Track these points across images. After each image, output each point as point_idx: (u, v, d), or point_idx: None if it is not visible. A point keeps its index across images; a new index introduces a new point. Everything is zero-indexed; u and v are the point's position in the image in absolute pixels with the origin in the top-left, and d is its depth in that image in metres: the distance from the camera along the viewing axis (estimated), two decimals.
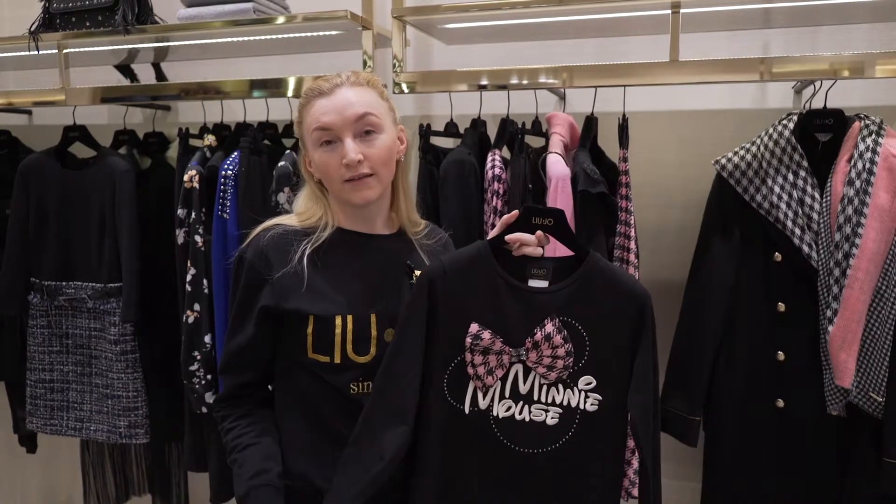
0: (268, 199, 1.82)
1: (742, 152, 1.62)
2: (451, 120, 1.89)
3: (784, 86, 1.85)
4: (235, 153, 1.88)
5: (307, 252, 1.25)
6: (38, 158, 2.13)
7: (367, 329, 1.24)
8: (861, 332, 1.48)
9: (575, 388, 1.23)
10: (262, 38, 1.96)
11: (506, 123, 1.80)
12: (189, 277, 1.87)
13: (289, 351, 1.27)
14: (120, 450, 2.37)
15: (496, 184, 1.66)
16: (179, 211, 1.89)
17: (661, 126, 1.96)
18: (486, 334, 1.21)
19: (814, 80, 1.63)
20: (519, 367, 1.23)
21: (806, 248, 1.55)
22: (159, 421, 2.12)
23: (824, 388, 1.54)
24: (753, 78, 1.57)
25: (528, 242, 1.25)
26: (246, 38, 1.97)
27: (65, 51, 2.06)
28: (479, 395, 1.23)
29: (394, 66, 1.82)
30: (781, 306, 1.59)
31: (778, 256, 1.58)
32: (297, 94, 1.90)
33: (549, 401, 1.24)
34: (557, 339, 1.21)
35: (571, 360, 1.22)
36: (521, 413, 1.24)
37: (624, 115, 1.68)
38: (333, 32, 1.89)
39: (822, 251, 1.53)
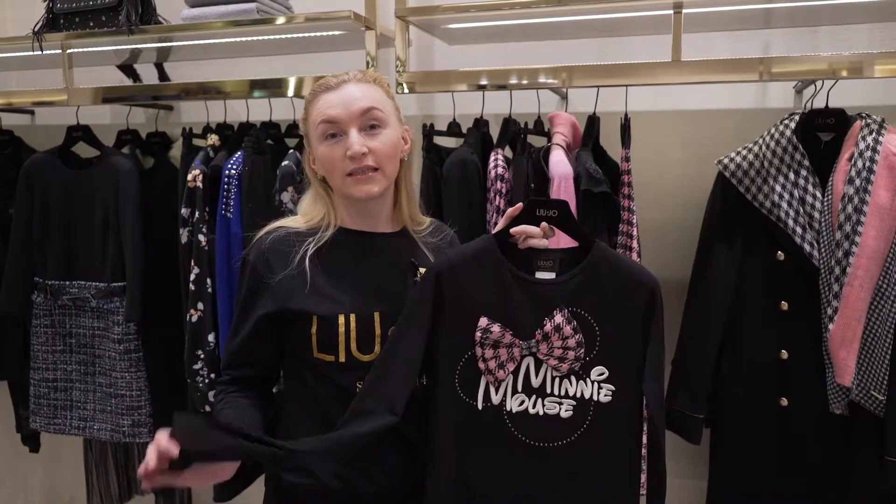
0: (271, 199, 1.83)
1: (744, 152, 1.63)
2: (454, 120, 1.90)
3: (785, 86, 1.86)
4: (239, 153, 1.89)
5: (309, 252, 1.25)
6: (41, 158, 2.13)
7: (371, 328, 1.25)
8: (861, 330, 1.49)
9: (588, 379, 1.23)
10: (266, 38, 1.97)
11: (508, 123, 1.81)
12: (193, 277, 1.88)
13: (295, 351, 1.28)
14: (123, 449, 2.37)
15: (499, 183, 1.67)
16: (183, 210, 1.90)
17: (663, 126, 1.97)
18: (496, 328, 1.21)
19: (814, 80, 1.64)
20: (530, 360, 1.23)
21: (807, 247, 1.56)
22: (163, 420, 2.12)
23: (827, 386, 1.55)
24: (753, 78, 1.58)
25: (533, 234, 1.26)
26: (249, 39, 1.98)
27: (68, 51, 2.07)
28: (492, 389, 1.24)
29: (396, 66, 1.83)
30: (784, 305, 1.60)
31: (780, 255, 1.59)
32: (297, 94, 1.91)
33: (563, 393, 1.24)
34: (567, 329, 1.21)
35: (582, 350, 1.22)
36: (534, 407, 1.24)
37: (626, 115, 1.69)
38: (336, 33, 1.89)
39: (823, 250, 1.54)
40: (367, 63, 1.83)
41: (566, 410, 1.24)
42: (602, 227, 1.63)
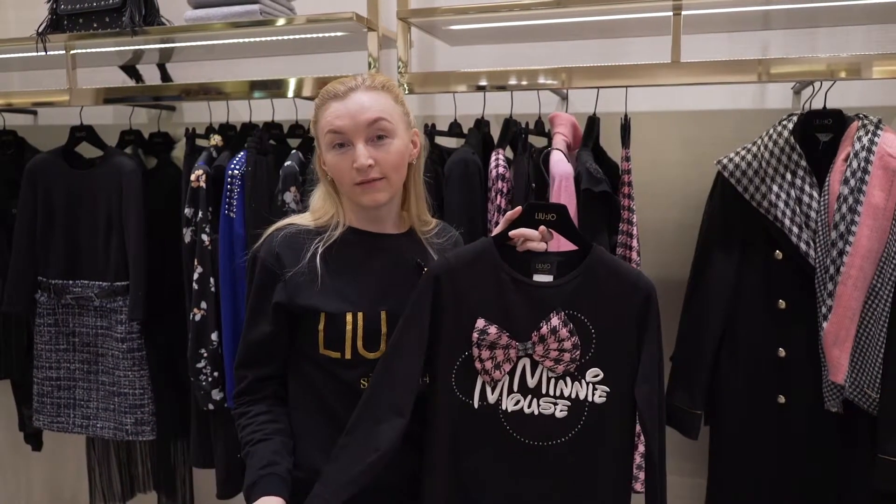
0: (274, 199, 1.84)
1: (743, 152, 1.64)
2: (455, 120, 1.91)
3: (784, 86, 1.88)
4: (242, 153, 1.90)
5: (320, 250, 1.27)
6: (45, 158, 2.15)
7: (377, 326, 1.27)
8: (855, 328, 1.50)
9: (583, 380, 1.25)
10: (268, 39, 1.98)
11: (509, 123, 1.82)
12: (196, 276, 1.89)
13: (302, 347, 1.30)
14: (125, 447, 2.39)
15: (500, 183, 1.68)
16: (186, 210, 1.91)
17: (662, 126, 1.98)
18: (493, 329, 1.23)
19: (812, 80, 1.66)
20: (526, 362, 1.25)
21: (803, 246, 1.57)
22: (165, 418, 2.13)
23: (822, 384, 1.57)
24: (752, 79, 1.59)
25: (531, 238, 1.27)
26: (252, 39, 1.99)
27: (72, 52, 2.08)
28: (488, 389, 1.25)
29: (398, 67, 1.84)
30: (782, 303, 1.62)
31: (778, 254, 1.61)
32: (298, 95, 1.92)
33: (558, 394, 1.25)
34: (563, 332, 1.22)
35: (578, 352, 1.24)
36: (529, 406, 1.26)
37: (626, 116, 1.71)
38: (339, 34, 1.91)
39: (819, 249, 1.56)
40: (370, 64, 1.85)
41: (561, 411, 1.25)
42: (602, 227, 1.64)
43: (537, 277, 1.27)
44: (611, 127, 1.77)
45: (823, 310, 1.53)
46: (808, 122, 1.62)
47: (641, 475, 1.62)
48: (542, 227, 1.28)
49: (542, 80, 1.72)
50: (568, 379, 1.25)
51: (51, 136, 2.33)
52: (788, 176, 1.59)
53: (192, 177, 1.90)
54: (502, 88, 1.77)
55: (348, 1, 1.83)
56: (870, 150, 1.50)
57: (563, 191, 1.59)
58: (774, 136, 1.61)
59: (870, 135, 1.52)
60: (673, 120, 1.98)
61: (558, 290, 1.25)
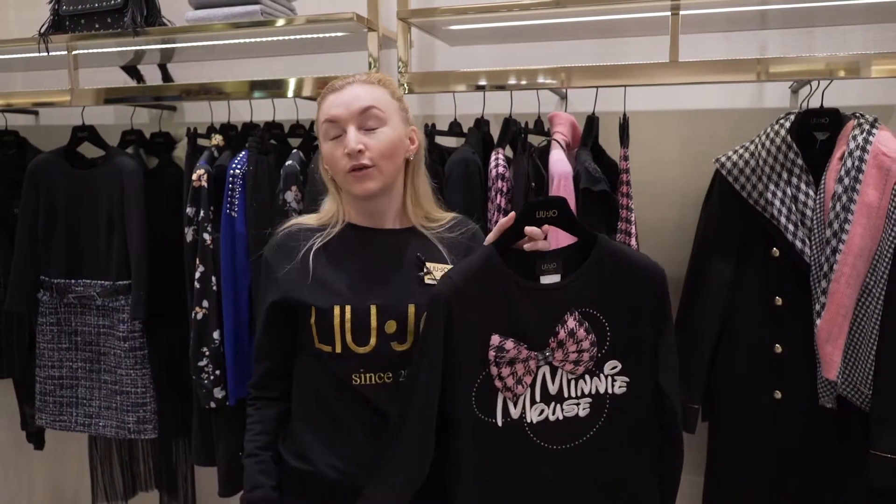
0: (275, 198, 1.85)
1: (741, 151, 1.66)
2: (455, 120, 1.92)
3: (781, 85, 1.89)
4: (243, 153, 1.91)
5: (315, 246, 1.31)
6: (47, 158, 2.16)
7: (367, 320, 1.27)
8: (847, 326, 1.52)
9: (601, 374, 1.24)
10: (269, 39, 1.99)
11: (508, 123, 1.83)
12: (198, 275, 1.90)
13: (303, 342, 1.34)
14: (127, 445, 2.40)
15: (500, 182, 1.69)
16: (188, 209, 1.92)
17: (661, 125, 1.99)
18: (510, 343, 1.20)
19: (810, 80, 1.67)
20: (546, 369, 1.23)
21: (799, 244, 1.58)
22: (167, 416, 2.14)
23: (817, 380, 1.58)
24: (750, 78, 1.60)
25: (536, 237, 1.26)
26: (252, 40, 2.00)
27: (73, 52, 2.09)
28: (510, 405, 1.22)
29: (398, 67, 1.85)
30: (779, 300, 1.63)
31: (775, 252, 1.62)
32: (297, 95, 1.93)
33: (579, 393, 1.24)
34: (581, 332, 1.21)
35: (595, 349, 1.23)
36: (553, 413, 1.24)
37: (625, 115, 1.72)
38: (339, 34, 1.92)
39: (814, 247, 1.57)
40: (370, 64, 1.86)
41: (584, 409, 1.24)
42: (601, 226, 1.65)
43: (545, 279, 1.24)
44: (609, 126, 1.78)
45: (817, 307, 1.54)
46: (806, 120, 1.63)
47: None
48: (544, 227, 1.26)
49: (541, 80, 1.73)
50: (587, 376, 1.24)
51: (52, 136, 2.34)
52: (785, 174, 1.60)
53: (194, 176, 1.91)
54: (501, 88, 1.78)
55: (348, 1, 1.84)
56: (864, 149, 1.51)
57: (562, 190, 1.61)
58: (771, 135, 1.62)
59: (864, 133, 1.53)
60: (671, 119, 1.99)
61: (568, 290, 1.23)
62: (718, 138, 1.90)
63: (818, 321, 1.53)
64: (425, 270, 1.31)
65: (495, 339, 1.19)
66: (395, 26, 1.85)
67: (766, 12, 1.75)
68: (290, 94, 1.93)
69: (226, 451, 1.98)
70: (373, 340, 1.27)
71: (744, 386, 1.67)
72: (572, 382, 1.23)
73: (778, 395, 1.64)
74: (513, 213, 1.26)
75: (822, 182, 1.57)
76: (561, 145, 1.71)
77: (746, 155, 1.64)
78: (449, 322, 1.20)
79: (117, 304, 2.08)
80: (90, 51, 2.12)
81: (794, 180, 1.60)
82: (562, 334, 1.20)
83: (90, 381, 2.15)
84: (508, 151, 1.80)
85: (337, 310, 1.26)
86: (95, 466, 2.42)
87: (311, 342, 1.30)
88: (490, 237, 1.29)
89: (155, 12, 2.01)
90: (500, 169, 1.70)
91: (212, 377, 1.91)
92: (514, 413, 1.23)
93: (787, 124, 1.61)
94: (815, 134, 1.65)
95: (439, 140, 1.88)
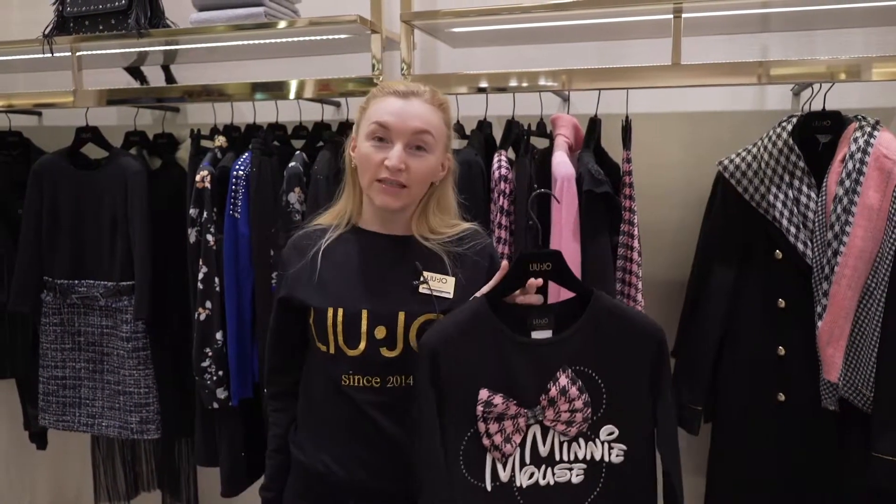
0: (279, 199, 1.86)
1: (743, 153, 1.66)
2: (458, 122, 1.92)
3: (783, 88, 1.90)
4: (246, 154, 1.92)
5: (322, 247, 1.33)
6: (51, 159, 2.16)
7: (357, 323, 1.29)
8: (848, 327, 1.52)
9: (597, 439, 1.17)
10: (272, 41, 2.00)
11: (511, 125, 1.84)
12: (201, 276, 1.91)
13: (309, 339, 1.38)
14: (130, 446, 2.40)
15: (503, 184, 1.70)
16: (192, 210, 1.93)
17: (663, 127, 2.00)
18: (498, 398, 1.15)
19: (811, 82, 1.68)
20: (537, 429, 1.17)
21: (801, 246, 1.59)
22: (170, 417, 2.15)
23: (819, 382, 1.59)
24: (751, 81, 1.61)
25: (530, 289, 1.22)
26: (255, 42, 2.01)
27: (77, 53, 2.10)
28: (499, 466, 1.17)
29: (402, 69, 1.86)
30: (781, 302, 1.64)
31: (778, 254, 1.63)
32: (298, 97, 1.95)
33: (572, 458, 1.18)
34: (573, 391, 1.15)
35: (589, 410, 1.16)
36: (544, 478, 1.18)
37: (627, 117, 1.72)
38: (342, 36, 1.92)
39: (816, 249, 1.57)
40: (373, 66, 1.86)
41: (577, 475, 1.18)
42: (604, 228, 1.65)
43: (536, 334, 1.19)
44: (612, 128, 1.78)
45: (819, 309, 1.55)
46: (808, 123, 1.64)
47: None
48: (533, 281, 1.20)
49: (542, 83, 1.73)
50: (581, 440, 1.17)
51: (56, 137, 2.35)
52: (787, 177, 1.61)
53: (197, 177, 1.91)
54: (502, 90, 1.79)
55: (352, 3, 1.85)
56: (865, 151, 1.51)
57: (565, 192, 1.61)
58: (774, 138, 1.63)
59: (866, 136, 1.53)
60: (673, 121, 1.99)
61: (561, 346, 1.17)
62: (720, 140, 1.91)
63: (819, 323, 1.54)
64: (421, 279, 1.30)
65: (483, 394, 1.15)
66: (398, 28, 1.86)
67: (768, 15, 1.75)
68: (292, 95, 1.94)
69: (228, 451, 1.98)
70: (362, 344, 1.28)
71: (747, 388, 1.67)
72: (565, 445, 1.17)
73: (781, 397, 1.64)
74: (505, 262, 1.24)
75: (824, 184, 1.58)
76: (564, 148, 1.71)
77: (749, 158, 1.65)
78: (437, 371, 1.15)
79: (120, 304, 2.09)
80: (94, 52, 2.13)
81: (796, 183, 1.60)
82: (553, 392, 1.15)
83: (93, 381, 2.16)
84: (511, 153, 1.81)
85: (330, 311, 1.29)
86: (98, 466, 2.43)
87: (313, 341, 1.35)
88: (485, 288, 1.26)
89: (159, 14, 2.01)
90: (503, 171, 1.70)
91: (214, 378, 1.91)
92: (504, 476, 1.17)
93: (790, 127, 1.62)
94: (818, 136, 1.65)
95: None
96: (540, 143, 1.86)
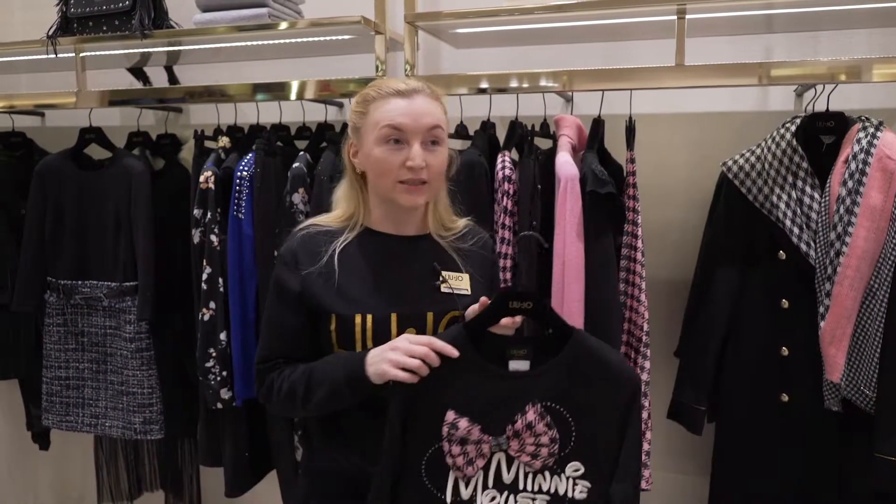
0: (282, 200, 1.86)
1: (747, 154, 1.67)
2: (461, 122, 1.93)
3: (786, 89, 1.90)
4: (250, 154, 1.92)
5: (337, 251, 1.30)
6: (54, 160, 2.17)
7: (387, 328, 1.28)
8: (851, 328, 1.52)
9: (562, 474, 1.19)
10: (276, 42, 2.00)
11: (515, 126, 1.84)
12: (205, 276, 1.91)
13: (321, 342, 1.33)
14: (133, 446, 2.41)
15: (506, 184, 1.70)
16: (195, 211, 1.93)
17: (666, 128, 2.00)
18: (463, 422, 1.17)
19: (814, 83, 1.68)
20: (501, 456, 1.18)
21: (804, 247, 1.59)
22: (173, 417, 2.15)
23: (822, 383, 1.59)
24: (752, 82, 1.61)
25: (506, 330, 1.24)
26: (259, 42, 2.01)
27: (81, 54, 2.10)
28: (461, 484, 1.19)
29: (405, 70, 1.86)
30: (785, 303, 1.64)
31: (782, 255, 1.63)
32: (300, 97, 1.95)
33: (536, 489, 1.18)
34: (540, 426, 1.16)
35: (556, 446, 1.17)
36: (506, 503, 1.19)
37: (631, 118, 1.73)
38: (346, 37, 1.93)
39: (819, 249, 1.58)
40: (377, 67, 1.87)
41: None
42: (607, 228, 1.66)
43: (513, 364, 1.20)
44: (615, 129, 1.78)
45: (821, 309, 1.55)
46: (812, 124, 1.64)
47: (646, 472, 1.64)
48: (516, 319, 1.23)
49: (543, 83, 1.74)
50: (547, 473, 1.18)
51: (59, 137, 2.35)
52: (790, 178, 1.61)
53: (201, 178, 1.92)
54: (503, 91, 1.79)
55: (355, 4, 1.85)
56: (868, 152, 1.52)
57: (569, 192, 1.61)
58: (777, 139, 1.63)
59: (869, 137, 1.54)
60: (677, 122, 2.00)
61: (535, 380, 1.18)
62: (723, 141, 1.91)
63: (822, 324, 1.54)
64: (441, 279, 1.32)
65: (450, 416, 1.17)
66: (401, 29, 1.87)
67: (772, 17, 1.76)
68: (294, 96, 1.94)
69: (232, 451, 1.98)
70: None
71: (750, 388, 1.68)
72: (529, 476, 1.18)
73: (784, 397, 1.65)
74: (484, 298, 1.24)
75: (828, 185, 1.58)
76: (567, 148, 1.72)
77: (753, 158, 1.65)
78: (413, 386, 1.17)
79: (124, 305, 2.09)
80: (97, 53, 2.13)
81: (800, 183, 1.61)
82: (519, 424, 1.16)
83: (96, 381, 2.16)
84: (514, 154, 1.81)
85: (358, 318, 1.27)
86: (101, 467, 2.43)
87: (329, 346, 1.30)
88: (473, 312, 1.26)
89: (162, 15, 2.02)
90: (507, 171, 1.71)
91: (218, 378, 1.91)
92: (465, 494, 1.18)
93: (793, 128, 1.62)
94: (822, 137, 1.66)
95: None
96: (543, 143, 1.87)
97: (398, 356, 1.16)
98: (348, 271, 1.30)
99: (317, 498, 1.37)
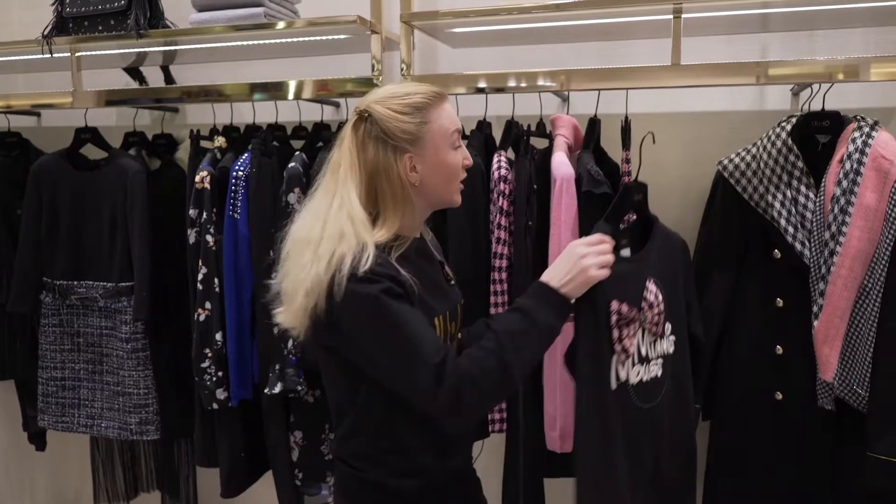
0: (278, 200, 1.86)
1: (743, 153, 1.67)
2: None
3: (783, 88, 1.90)
4: (246, 154, 1.92)
5: (398, 263, 1.21)
6: (50, 160, 2.17)
7: (445, 326, 1.30)
8: (844, 327, 1.52)
9: (664, 336, 1.41)
10: (272, 41, 2.00)
11: (511, 125, 1.84)
12: (200, 276, 1.91)
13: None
14: (129, 446, 2.40)
15: (502, 184, 1.70)
16: (191, 211, 1.93)
17: (663, 127, 1.99)
18: (624, 307, 1.32)
19: (810, 83, 1.68)
20: (640, 331, 1.36)
21: (798, 246, 1.59)
22: (169, 418, 2.15)
23: (816, 382, 1.59)
24: (749, 81, 1.61)
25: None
26: (255, 42, 2.01)
27: (77, 54, 2.09)
28: (619, 367, 1.34)
29: (401, 69, 1.86)
30: (780, 302, 1.64)
31: (777, 254, 1.63)
32: (297, 97, 1.95)
33: (655, 354, 1.40)
34: (660, 296, 1.38)
35: (663, 314, 1.39)
36: (646, 374, 1.39)
37: (626, 118, 1.72)
38: (342, 36, 1.92)
39: (814, 249, 1.58)
40: (373, 66, 1.86)
41: (659, 369, 1.41)
42: None
43: (623, 252, 1.39)
44: (612, 128, 1.78)
45: (815, 308, 1.55)
46: (807, 123, 1.64)
47: None
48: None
49: (540, 83, 1.73)
50: (660, 338, 1.40)
51: (55, 137, 2.35)
52: (786, 177, 1.61)
53: (197, 178, 1.91)
54: (500, 91, 1.79)
55: (351, 3, 1.85)
56: (863, 152, 1.52)
57: (564, 192, 1.61)
58: (773, 138, 1.63)
59: (864, 136, 1.54)
60: (673, 121, 1.99)
61: (644, 261, 1.41)
62: (720, 140, 1.91)
63: (815, 323, 1.54)
64: (447, 273, 1.40)
65: (615, 304, 1.31)
66: (397, 29, 1.86)
67: (768, 16, 1.76)
68: (291, 96, 1.94)
69: (228, 451, 1.98)
70: (449, 343, 1.31)
71: (745, 386, 1.68)
72: (651, 344, 1.39)
73: (779, 396, 1.65)
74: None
75: (823, 184, 1.58)
76: (563, 148, 1.71)
77: (748, 157, 1.65)
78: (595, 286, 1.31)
79: (120, 305, 2.09)
80: (93, 53, 2.13)
81: (795, 183, 1.61)
82: (651, 297, 1.36)
83: (92, 382, 2.16)
84: (510, 154, 1.81)
85: (437, 321, 1.27)
86: (97, 467, 2.43)
87: None
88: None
89: (158, 14, 2.01)
90: (503, 171, 1.71)
91: (214, 378, 1.91)
92: (622, 375, 1.35)
93: (789, 127, 1.62)
94: (817, 136, 1.66)
95: None
96: (539, 143, 1.86)
97: (595, 259, 1.24)
98: (413, 279, 1.22)
99: None
